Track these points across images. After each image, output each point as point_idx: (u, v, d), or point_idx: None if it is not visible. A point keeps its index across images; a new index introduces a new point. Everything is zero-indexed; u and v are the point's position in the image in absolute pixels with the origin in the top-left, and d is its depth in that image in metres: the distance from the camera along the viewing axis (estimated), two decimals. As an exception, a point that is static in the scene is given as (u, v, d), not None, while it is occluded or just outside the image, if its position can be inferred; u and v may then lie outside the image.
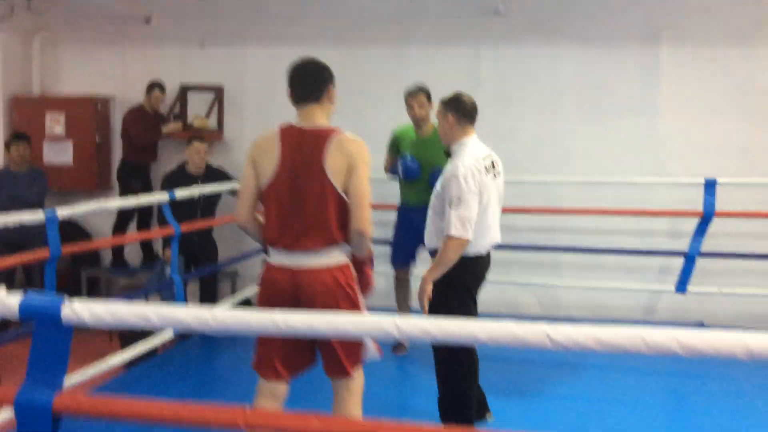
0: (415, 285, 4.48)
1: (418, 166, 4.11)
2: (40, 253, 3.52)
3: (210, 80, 5.88)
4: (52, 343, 1.72)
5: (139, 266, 5.76)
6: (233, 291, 5.60)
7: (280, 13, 5.73)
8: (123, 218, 5.68)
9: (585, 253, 5.13)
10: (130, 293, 4.89)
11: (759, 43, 5.09)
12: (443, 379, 3.09)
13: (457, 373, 3.05)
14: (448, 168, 2.98)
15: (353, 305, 2.40)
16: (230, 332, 1.63)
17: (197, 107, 5.89)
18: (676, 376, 4.04)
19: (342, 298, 2.38)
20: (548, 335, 1.36)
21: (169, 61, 5.93)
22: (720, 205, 4.64)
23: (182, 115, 5.89)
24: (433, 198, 3.06)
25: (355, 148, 2.38)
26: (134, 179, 5.64)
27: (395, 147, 4.32)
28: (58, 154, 5.87)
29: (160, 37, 5.96)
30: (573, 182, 5.18)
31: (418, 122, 4.18)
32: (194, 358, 4.55)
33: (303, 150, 2.37)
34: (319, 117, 2.44)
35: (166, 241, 4.78)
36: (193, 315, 1.64)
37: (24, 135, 5.31)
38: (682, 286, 4.76)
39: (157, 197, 4.49)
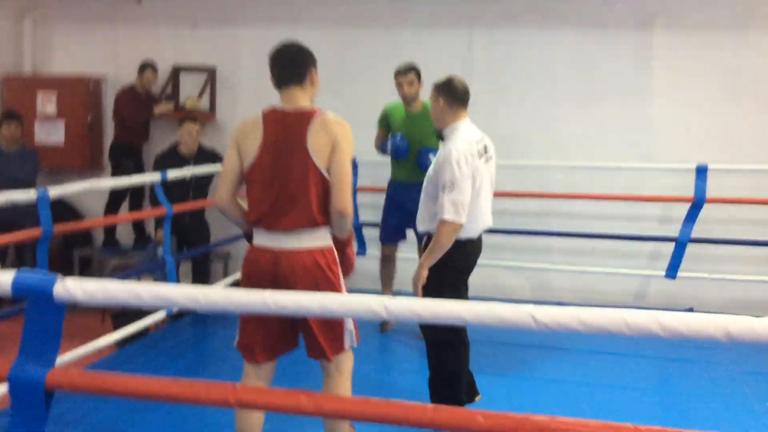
0: (400, 266, 4.56)
1: (407, 145, 4.16)
2: (32, 233, 3.53)
3: (202, 61, 5.85)
4: (44, 320, 1.74)
5: (131, 247, 5.77)
6: (225, 272, 5.62)
7: (274, -7, 5.71)
8: (115, 199, 5.68)
9: (576, 238, 5.16)
10: (122, 273, 4.90)
11: (752, 31, 5.10)
12: (433, 361, 3.12)
13: (447, 355, 3.08)
14: (441, 152, 2.99)
15: (333, 289, 2.40)
16: (220, 310, 1.65)
17: (189, 88, 5.86)
18: (666, 361, 4.08)
19: (322, 281, 2.38)
20: (533, 316, 1.38)
21: (161, 42, 5.89)
22: (711, 191, 4.67)
23: (174, 96, 5.86)
24: (425, 182, 3.07)
25: (338, 129, 2.38)
26: (126, 160, 5.63)
27: (385, 123, 4.36)
28: (50, 133, 5.85)
29: (153, 17, 5.91)
30: (565, 167, 5.20)
31: (408, 100, 4.22)
32: (186, 337, 4.58)
33: (286, 131, 2.37)
34: (302, 100, 2.44)
35: (159, 222, 4.79)
36: (183, 293, 1.66)
37: (15, 114, 5.28)
38: (672, 271, 4.81)
39: (150, 178, 4.49)
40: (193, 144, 5.04)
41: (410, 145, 4.16)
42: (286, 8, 5.67)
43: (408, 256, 4.60)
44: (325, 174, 2.36)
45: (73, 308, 1.82)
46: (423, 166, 4.07)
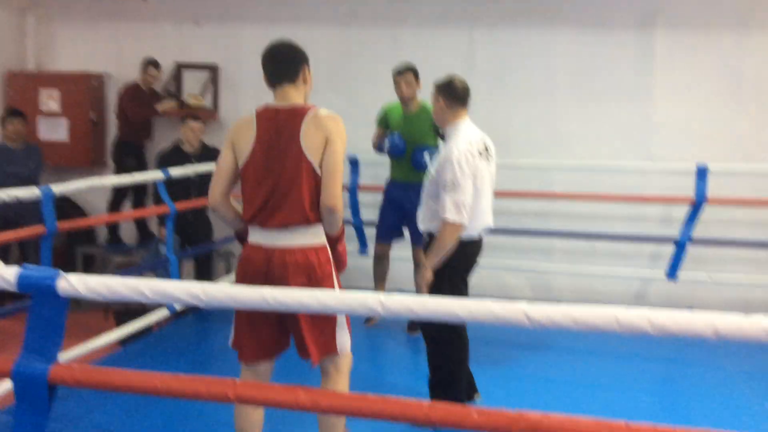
0: (393, 265, 4.59)
1: (404, 144, 4.18)
2: (36, 230, 3.55)
3: (205, 58, 5.88)
4: (48, 315, 1.77)
5: (135, 244, 5.80)
6: (228, 271, 5.65)
7: (276, -8, 5.73)
8: (118, 196, 5.71)
9: (577, 238, 5.18)
10: (125, 271, 4.93)
11: (753, 31, 5.10)
12: (433, 359, 3.15)
13: (446, 353, 3.10)
14: (443, 152, 3.01)
15: (326, 288, 2.39)
16: (220, 307, 1.68)
17: (192, 85, 5.90)
18: (666, 361, 4.09)
19: (314, 280, 2.37)
20: (526, 313, 1.41)
21: (164, 39, 5.91)
22: (712, 192, 4.68)
23: (177, 94, 5.89)
24: (427, 181, 3.09)
25: (331, 124, 2.38)
26: (129, 157, 5.66)
27: (384, 123, 4.38)
28: (53, 130, 5.88)
29: (156, 14, 5.94)
30: (565, 166, 5.21)
31: (406, 100, 4.25)
32: (189, 336, 4.60)
33: (279, 128, 2.38)
34: (295, 97, 2.44)
35: (161, 220, 4.81)
36: (184, 289, 1.69)
37: (19, 111, 5.32)
38: (672, 272, 4.82)
39: (153, 175, 4.51)
40: (196, 141, 5.08)
41: (407, 146, 4.18)
42: (288, 7, 5.69)
43: (401, 255, 4.63)
44: (318, 170, 2.35)
45: (77, 306, 1.85)
46: (418, 165, 4.11)
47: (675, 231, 4.85)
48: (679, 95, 5.23)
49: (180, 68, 5.90)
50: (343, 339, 2.47)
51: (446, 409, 1.57)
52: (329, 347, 2.44)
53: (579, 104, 5.36)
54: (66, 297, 1.74)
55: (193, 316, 4.84)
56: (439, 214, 2.92)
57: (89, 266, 5.72)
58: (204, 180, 5.09)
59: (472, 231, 3.01)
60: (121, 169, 5.61)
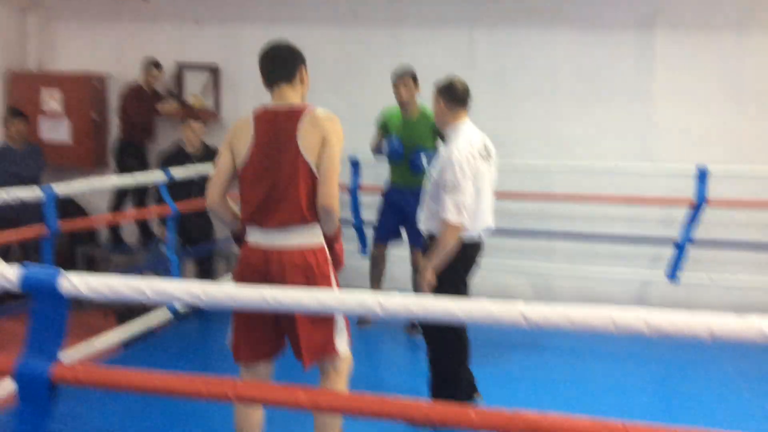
0: (388, 266, 4.60)
1: (403, 149, 4.20)
2: (38, 230, 3.57)
3: (206, 59, 5.89)
4: (50, 315, 1.78)
5: (136, 245, 5.81)
6: (229, 271, 5.66)
7: (277, -8, 5.75)
8: (119, 197, 5.73)
9: (577, 240, 5.18)
10: (127, 271, 4.94)
11: (753, 31, 5.11)
12: (433, 359, 3.16)
13: (446, 354, 3.12)
14: (443, 153, 3.03)
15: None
16: (221, 307, 1.69)
17: (193, 86, 5.91)
18: (666, 362, 4.10)
19: (312, 281, 2.37)
20: (522, 314, 1.42)
21: (165, 39, 5.93)
22: (712, 193, 4.68)
23: (179, 94, 5.91)
24: (428, 183, 3.11)
25: (328, 124, 2.39)
26: (130, 158, 5.67)
27: (384, 127, 4.39)
28: (54, 130, 5.90)
29: (157, 14, 5.95)
30: (566, 167, 5.21)
31: (405, 105, 4.25)
32: (191, 338, 4.61)
33: (277, 129, 2.39)
34: (292, 97, 2.46)
35: (163, 221, 4.83)
36: (185, 289, 1.70)
37: (21, 111, 5.34)
38: (673, 274, 4.83)
39: (154, 176, 4.53)
40: (197, 142, 5.09)
41: (406, 150, 4.20)
42: (288, 7, 5.70)
43: (399, 255, 4.63)
44: (315, 170, 2.36)
45: (79, 306, 1.86)
46: (416, 167, 4.13)
47: (675, 232, 4.85)
48: (679, 96, 5.23)
49: (181, 68, 5.92)
50: (343, 341, 2.48)
51: (445, 409, 1.59)
52: (327, 349, 2.44)
53: (579, 105, 5.37)
54: (68, 296, 1.76)
55: (195, 318, 4.84)
56: (439, 215, 2.94)
57: (90, 266, 5.73)
58: (205, 180, 5.10)
59: (472, 232, 3.02)
60: (122, 169, 5.63)
